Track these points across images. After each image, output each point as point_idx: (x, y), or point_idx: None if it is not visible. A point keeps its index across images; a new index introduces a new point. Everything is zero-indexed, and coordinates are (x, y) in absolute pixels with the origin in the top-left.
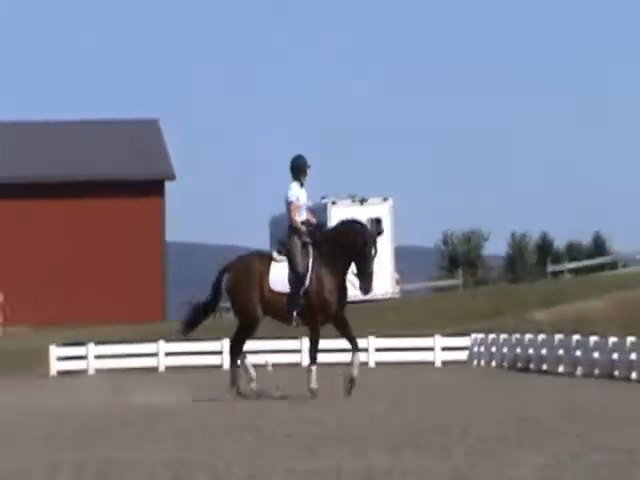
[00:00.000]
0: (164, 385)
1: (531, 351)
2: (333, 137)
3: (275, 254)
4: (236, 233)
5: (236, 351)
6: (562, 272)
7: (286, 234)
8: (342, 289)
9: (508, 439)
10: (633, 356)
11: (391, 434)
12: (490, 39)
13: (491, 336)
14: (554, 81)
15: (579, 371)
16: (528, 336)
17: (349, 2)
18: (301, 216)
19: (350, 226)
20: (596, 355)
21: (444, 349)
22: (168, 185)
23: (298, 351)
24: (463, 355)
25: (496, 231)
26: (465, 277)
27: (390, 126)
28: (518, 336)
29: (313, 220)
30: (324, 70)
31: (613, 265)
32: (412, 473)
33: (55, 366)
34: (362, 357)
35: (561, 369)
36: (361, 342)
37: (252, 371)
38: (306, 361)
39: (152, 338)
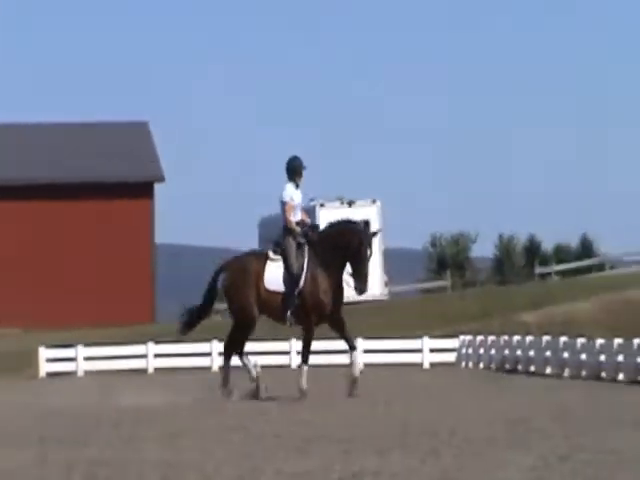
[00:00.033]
0: (153, 387)
1: (519, 353)
2: (321, 139)
3: (271, 253)
4: (225, 235)
5: (230, 352)
6: (550, 274)
7: (281, 234)
8: (338, 289)
9: (496, 441)
10: (620, 358)
11: (380, 435)
12: (488, 39)
13: (479, 338)
14: (540, 83)
15: (566, 373)
16: (516, 338)
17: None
18: (296, 217)
19: (345, 226)
20: (583, 357)
21: (432, 351)
22: (157, 187)
23: (287, 353)
24: (451, 357)
25: (484, 233)
26: (453, 279)
27: (378, 128)
28: (506, 338)
29: (308, 220)
30: (313, 72)
31: (600, 267)
32: (400, 474)
33: (44, 368)
34: (343, 359)
35: (549, 371)
36: (341, 344)
37: (254, 372)
38: (295, 363)
39: (141, 340)
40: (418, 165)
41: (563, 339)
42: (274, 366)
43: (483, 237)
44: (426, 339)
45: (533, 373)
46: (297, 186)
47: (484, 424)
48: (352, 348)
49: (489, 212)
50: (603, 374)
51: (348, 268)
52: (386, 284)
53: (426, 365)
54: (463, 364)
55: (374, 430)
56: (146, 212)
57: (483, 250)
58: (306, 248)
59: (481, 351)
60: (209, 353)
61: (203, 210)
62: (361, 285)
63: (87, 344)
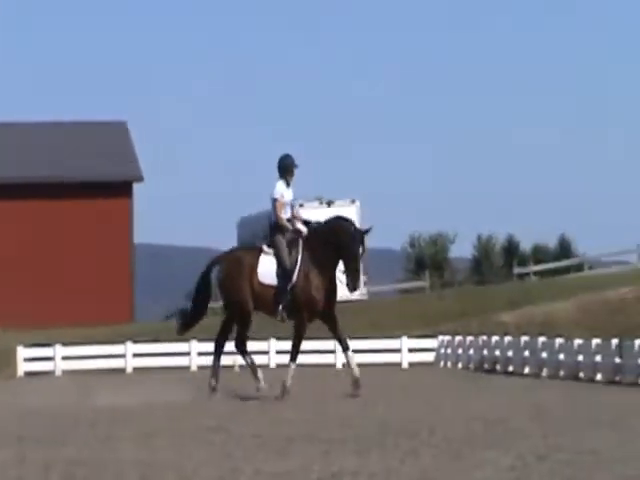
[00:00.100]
0: (131, 386)
1: (497, 353)
2: (300, 139)
3: (265, 247)
4: (204, 235)
5: (221, 345)
6: (528, 274)
7: (270, 232)
8: (331, 286)
9: (475, 440)
10: (598, 358)
11: (359, 435)
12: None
13: (458, 338)
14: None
15: (545, 372)
16: (494, 338)
17: None
18: (286, 214)
19: (338, 223)
20: (561, 357)
21: (411, 351)
22: (136, 187)
23: (265, 352)
24: (430, 357)
25: (462, 233)
26: (432, 279)
27: (357, 128)
28: (485, 338)
29: (301, 217)
30: (293, 72)
31: (579, 267)
32: (379, 474)
33: (22, 367)
34: (330, 359)
35: (527, 371)
36: (327, 344)
37: (259, 372)
38: (274, 362)
39: (120, 339)
40: (397, 165)
41: (541, 339)
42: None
43: (461, 237)
44: (405, 339)
45: (511, 373)
46: (288, 184)
47: (463, 424)
48: (345, 349)
49: (467, 212)
50: (581, 374)
51: (341, 266)
52: (365, 284)
53: (405, 365)
54: (442, 364)
55: (354, 430)
56: (125, 212)
57: (461, 250)
58: (300, 242)
59: (460, 351)
60: (188, 353)
61: (182, 210)
62: (353, 282)
63: (65, 343)
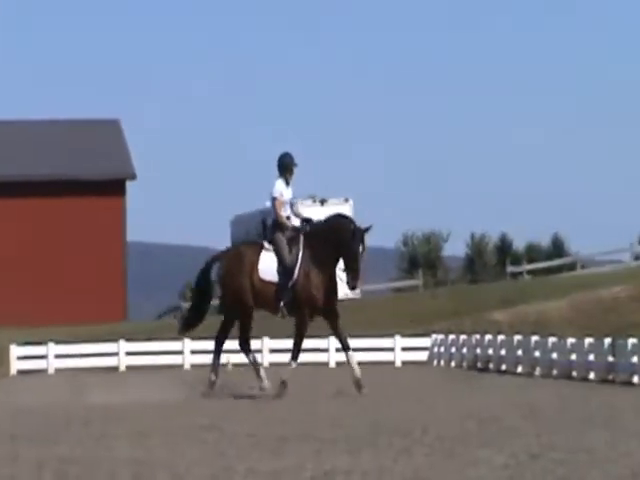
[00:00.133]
0: (124, 385)
1: (490, 351)
2: (293, 138)
3: (266, 243)
4: (197, 233)
5: (221, 343)
6: (521, 273)
7: (270, 230)
8: (331, 284)
9: (468, 439)
10: (591, 357)
11: (352, 434)
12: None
13: (451, 337)
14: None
15: (538, 371)
16: (487, 337)
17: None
18: (285, 212)
19: (338, 221)
20: (554, 356)
21: (404, 349)
22: (129, 185)
23: (258, 351)
24: (423, 355)
25: (456, 232)
26: (425, 278)
27: (351, 127)
28: (478, 336)
29: (302, 215)
30: (288, 71)
31: (572, 266)
32: (372, 473)
33: (15, 365)
34: (323, 357)
35: (520, 369)
36: (321, 343)
37: (263, 371)
38: (267, 360)
39: (113, 338)
40: (390, 164)
41: (534, 338)
42: (247, 364)
43: (455, 236)
44: (398, 338)
45: (504, 372)
46: (287, 182)
47: (456, 423)
48: (346, 348)
49: (461, 211)
50: (574, 373)
51: (341, 264)
52: None
53: (398, 364)
54: (435, 363)
55: (347, 429)
56: (118, 210)
57: (455, 249)
58: (301, 239)
59: (453, 350)
60: (181, 351)
61: (174, 208)
62: (353, 280)
63: (58, 342)
